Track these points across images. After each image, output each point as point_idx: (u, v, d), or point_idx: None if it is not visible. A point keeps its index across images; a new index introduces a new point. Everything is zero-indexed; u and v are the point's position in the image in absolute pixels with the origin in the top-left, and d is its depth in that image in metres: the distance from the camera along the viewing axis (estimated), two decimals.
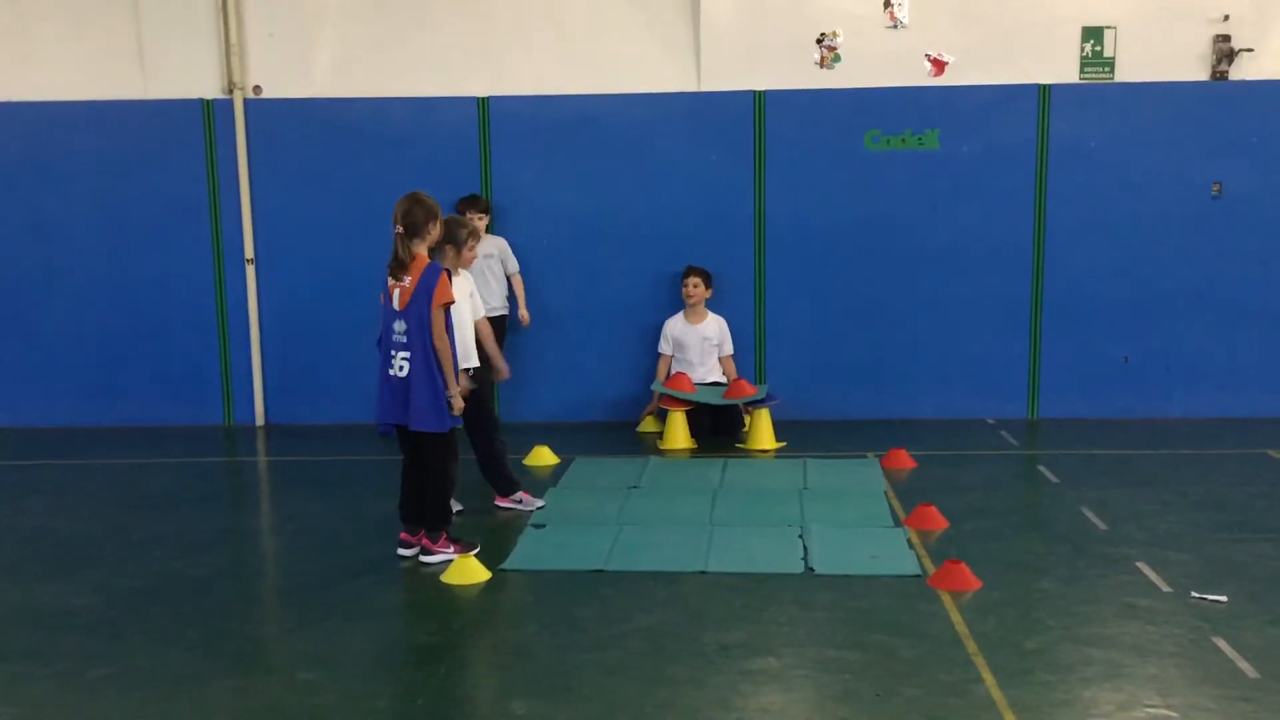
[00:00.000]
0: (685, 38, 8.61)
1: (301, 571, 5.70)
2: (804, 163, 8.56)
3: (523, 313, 8.46)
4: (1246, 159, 8.41)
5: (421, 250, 5.51)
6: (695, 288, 8.33)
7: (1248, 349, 8.58)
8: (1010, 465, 7.58)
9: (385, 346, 5.59)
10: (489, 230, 8.38)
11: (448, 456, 5.66)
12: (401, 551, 5.72)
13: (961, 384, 8.71)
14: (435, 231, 5.57)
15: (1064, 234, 8.54)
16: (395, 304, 5.49)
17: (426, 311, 5.40)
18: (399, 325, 5.46)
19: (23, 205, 8.78)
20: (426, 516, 5.67)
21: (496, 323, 8.33)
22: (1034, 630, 4.73)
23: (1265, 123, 8.38)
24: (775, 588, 5.26)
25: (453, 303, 5.50)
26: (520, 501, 6.52)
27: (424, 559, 5.64)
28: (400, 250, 5.46)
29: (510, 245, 8.50)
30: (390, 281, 5.52)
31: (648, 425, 8.49)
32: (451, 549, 5.63)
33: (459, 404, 5.50)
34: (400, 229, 5.45)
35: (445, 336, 5.42)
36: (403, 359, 5.47)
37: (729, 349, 8.45)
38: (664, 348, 8.48)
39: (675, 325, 8.43)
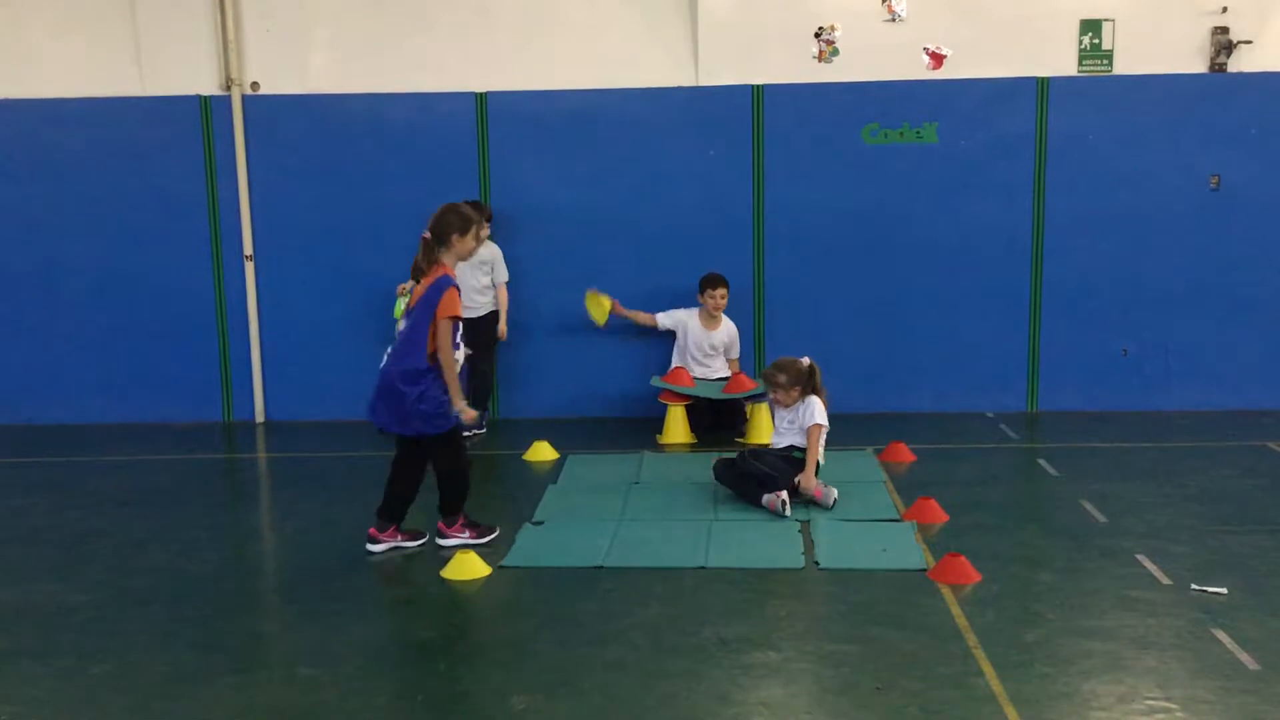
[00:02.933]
0: (683, 32, 8.60)
1: (301, 568, 5.70)
2: (803, 157, 8.55)
3: (502, 327, 8.39)
4: (1245, 151, 8.40)
5: (447, 260, 5.52)
6: (723, 299, 8.23)
7: (1247, 341, 8.58)
8: (1009, 458, 7.58)
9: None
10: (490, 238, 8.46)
11: (452, 451, 5.67)
12: (370, 548, 5.76)
13: (961, 377, 8.71)
14: (462, 245, 5.54)
15: (1063, 227, 8.53)
16: (411, 306, 5.57)
17: (424, 319, 5.41)
18: (401, 325, 5.55)
19: (20, 203, 8.77)
20: (441, 502, 5.74)
21: (476, 323, 8.34)
22: (1034, 623, 4.73)
23: (1264, 115, 8.37)
24: (775, 582, 5.27)
25: (459, 317, 5.46)
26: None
27: (440, 542, 5.70)
28: (421, 257, 5.51)
29: (509, 242, 8.52)
30: (414, 285, 5.59)
31: (593, 305, 8.30)
32: (467, 533, 5.73)
33: (470, 414, 5.51)
34: (427, 235, 5.49)
35: (449, 349, 5.40)
36: (386, 355, 5.55)
37: (736, 352, 8.44)
38: (664, 321, 8.34)
39: (692, 324, 8.29)
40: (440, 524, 5.77)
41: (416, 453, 5.69)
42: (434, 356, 5.44)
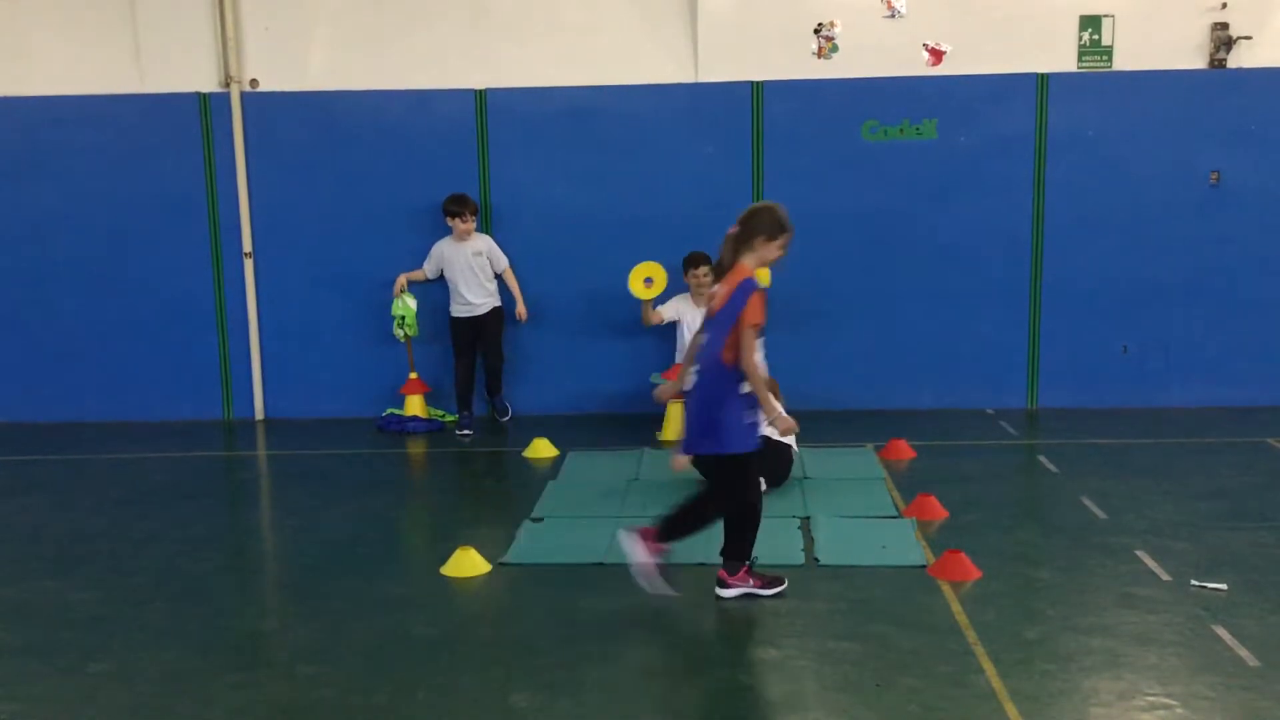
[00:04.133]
0: (682, 29, 8.59)
1: (301, 566, 5.70)
2: (802, 154, 8.54)
3: (520, 309, 8.49)
4: (1245, 147, 8.39)
5: (747, 262, 4.92)
6: (706, 277, 8.22)
7: (1247, 338, 8.57)
8: (1010, 455, 7.58)
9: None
10: (477, 229, 8.49)
11: (738, 482, 4.94)
12: (721, 593, 5.00)
13: (960, 374, 8.70)
14: (766, 249, 4.93)
15: (1062, 223, 8.52)
16: (710, 314, 4.93)
17: (725, 326, 4.80)
18: (701, 337, 4.96)
19: (19, 201, 8.76)
20: (726, 543, 5.01)
21: (482, 321, 8.38)
22: (1034, 620, 4.73)
23: (1264, 111, 8.36)
24: None
25: (761, 324, 4.81)
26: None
27: (720, 591, 5.01)
28: (726, 253, 4.92)
29: (508, 239, 8.55)
30: (713, 288, 5.00)
31: (639, 286, 8.13)
32: (751, 582, 4.99)
33: (788, 423, 4.86)
34: (735, 230, 4.94)
35: (752, 356, 4.76)
36: (692, 373, 4.94)
37: None
38: (667, 313, 8.25)
39: (684, 307, 8.27)
40: (721, 571, 5.02)
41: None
42: (734, 366, 4.80)
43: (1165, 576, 5.16)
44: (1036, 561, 5.43)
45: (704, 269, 8.16)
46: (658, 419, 8.15)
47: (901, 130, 8.52)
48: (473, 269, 8.35)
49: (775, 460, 6.43)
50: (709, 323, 4.94)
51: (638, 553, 4.96)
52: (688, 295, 8.29)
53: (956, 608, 4.84)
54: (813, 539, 5.73)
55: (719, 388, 4.83)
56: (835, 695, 4.11)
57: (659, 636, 4.64)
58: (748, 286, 4.83)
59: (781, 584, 5.03)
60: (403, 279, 8.46)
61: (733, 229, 4.96)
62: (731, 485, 4.95)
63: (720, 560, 5.03)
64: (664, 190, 8.60)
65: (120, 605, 5.12)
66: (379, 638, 4.70)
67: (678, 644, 4.56)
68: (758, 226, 4.95)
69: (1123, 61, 8.41)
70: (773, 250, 4.96)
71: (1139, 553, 5.46)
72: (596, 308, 8.73)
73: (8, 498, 7.01)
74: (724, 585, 5.01)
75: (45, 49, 8.69)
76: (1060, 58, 8.43)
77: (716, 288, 4.95)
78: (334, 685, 4.26)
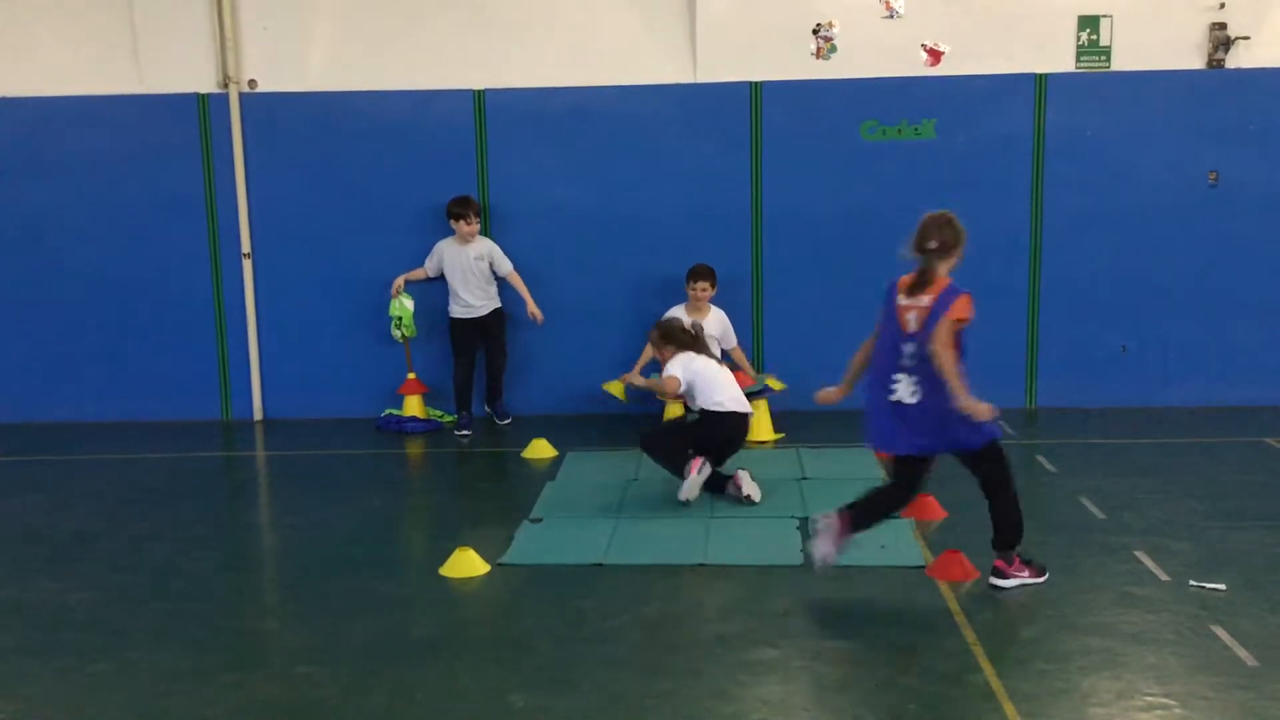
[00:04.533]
0: (681, 29, 8.59)
1: (300, 566, 5.71)
2: (801, 154, 8.54)
3: (532, 310, 8.44)
4: (1243, 147, 8.39)
5: (943, 271, 5.06)
6: (704, 291, 8.21)
7: (1246, 337, 8.57)
8: (1008, 455, 7.56)
9: (883, 369, 5.18)
10: (481, 233, 8.49)
11: (1005, 465, 5.18)
12: (998, 583, 5.12)
13: None
14: (959, 254, 5.11)
15: (1061, 223, 8.53)
16: (908, 326, 5.03)
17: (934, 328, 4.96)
18: (908, 348, 5.05)
19: (18, 201, 8.76)
20: (998, 534, 5.15)
21: (483, 322, 8.39)
22: (1032, 619, 4.74)
23: (1262, 111, 8.37)
24: (774, 579, 5.27)
25: (967, 321, 4.99)
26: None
27: (996, 581, 5.11)
28: (926, 267, 5.04)
29: (507, 239, 8.56)
30: (903, 301, 5.07)
31: (615, 388, 8.25)
32: (1027, 573, 5.13)
33: (983, 408, 4.91)
34: (935, 245, 5.04)
35: (949, 348, 4.91)
36: (912, 384, 5.05)
37: (733, 340, 8.38)
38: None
39: (680, 316, 8.31)
40: (997, 561, 5.12)
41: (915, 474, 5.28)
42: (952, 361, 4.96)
43: (1164, 576, 5.16)
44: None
45: (703, 284, 8.14)
46: (656, 419, 8.14)
47: (900, 130, 8.52)
48: (472, 271, 8.35)
49: (716, 428, 6.54)
50: (919, 335, 5.00)
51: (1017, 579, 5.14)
52: (684, 306, 8.30)
53: (955, 607, 4.85)
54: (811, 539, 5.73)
55: (945, 389, 4.96)
56: (833, 695, 4.12)
57: (657, 637, 4.64)
58: (954, 289, 5.02)
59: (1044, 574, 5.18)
60: (400, 280, 8.46)
61: (930, 244, 5.05)
62: (917, 478, 5.27)
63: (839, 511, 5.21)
64: (662, 190, 8.59)
65: (119, 605, 5.12)
66: (378, 638, 4.70)
67: (676, 644, 4.56)
68: (955, 237, 5.11)
69: (1121, 61, 8.41)
70: (958, 256, 5.15)
71: (1138, 552, 5.47)
72: (595, 308, 8.72)
73: (8, 498, 7.00)
74: (1000, 574, 5.12)
75: (45, 49, 8.69)
76: (1059, 58, 8.43)
77: (908, 300, 5.07)
78: (333, 685, 4.26)
